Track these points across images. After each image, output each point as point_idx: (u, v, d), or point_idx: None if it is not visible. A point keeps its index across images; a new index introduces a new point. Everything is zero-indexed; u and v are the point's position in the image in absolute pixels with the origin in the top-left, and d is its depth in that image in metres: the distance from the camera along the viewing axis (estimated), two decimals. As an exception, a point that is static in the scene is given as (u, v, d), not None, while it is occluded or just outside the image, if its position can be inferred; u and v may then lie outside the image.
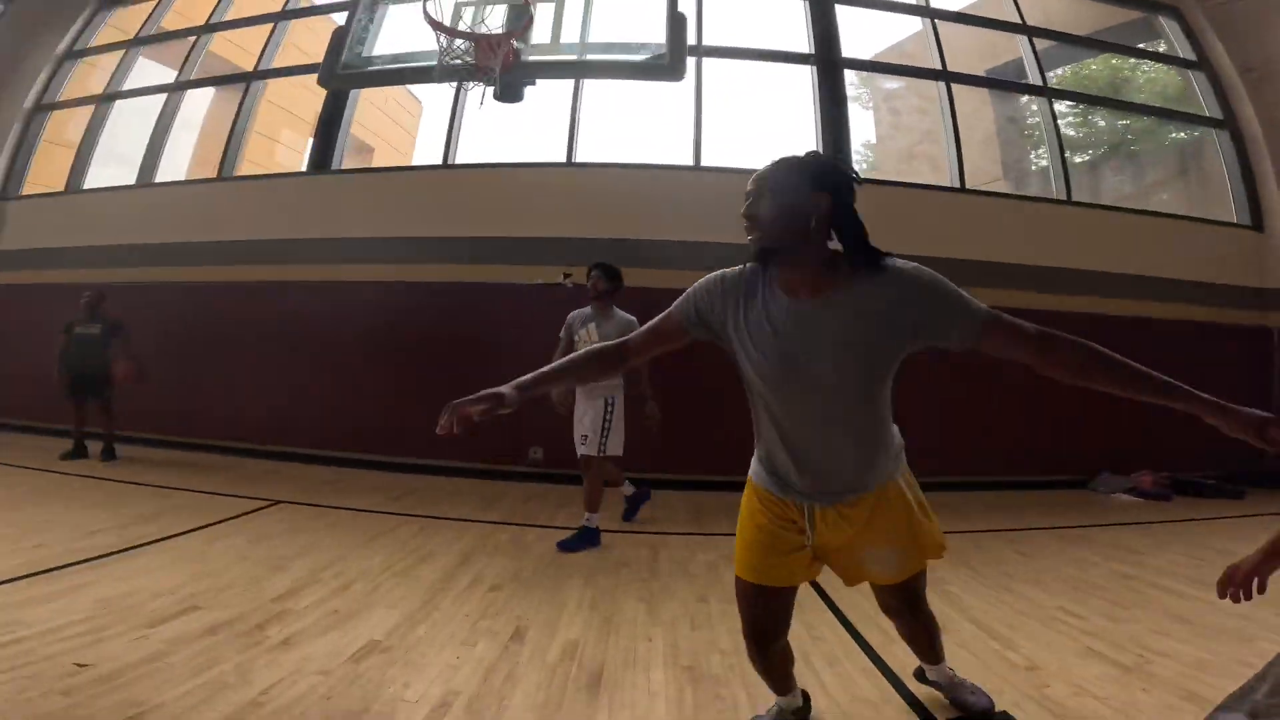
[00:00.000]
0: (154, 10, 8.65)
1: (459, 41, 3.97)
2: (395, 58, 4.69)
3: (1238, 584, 1.27)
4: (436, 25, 4.00)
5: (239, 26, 8.36)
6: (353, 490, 5.26)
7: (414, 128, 11.63)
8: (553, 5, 4.21)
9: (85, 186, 8.09)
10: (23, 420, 7.20)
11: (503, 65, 4.01)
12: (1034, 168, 9.67)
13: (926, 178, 7.95)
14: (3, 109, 8.38)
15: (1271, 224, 7.44)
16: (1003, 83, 8.24)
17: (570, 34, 4.28)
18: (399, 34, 4.73)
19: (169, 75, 8.52)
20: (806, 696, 1.96)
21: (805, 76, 6.81)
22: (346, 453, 6.24)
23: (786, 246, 1.38)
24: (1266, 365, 7.14)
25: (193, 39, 8.32)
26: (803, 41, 6.82)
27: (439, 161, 6.57)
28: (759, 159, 1.51)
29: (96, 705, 1.87)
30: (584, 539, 3.87)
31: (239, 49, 8.57)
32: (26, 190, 8.33)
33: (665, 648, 2.54)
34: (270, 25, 7.98)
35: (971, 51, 8.35)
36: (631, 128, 7.19)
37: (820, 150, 5.45)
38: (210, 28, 8.29)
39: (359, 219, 6.44)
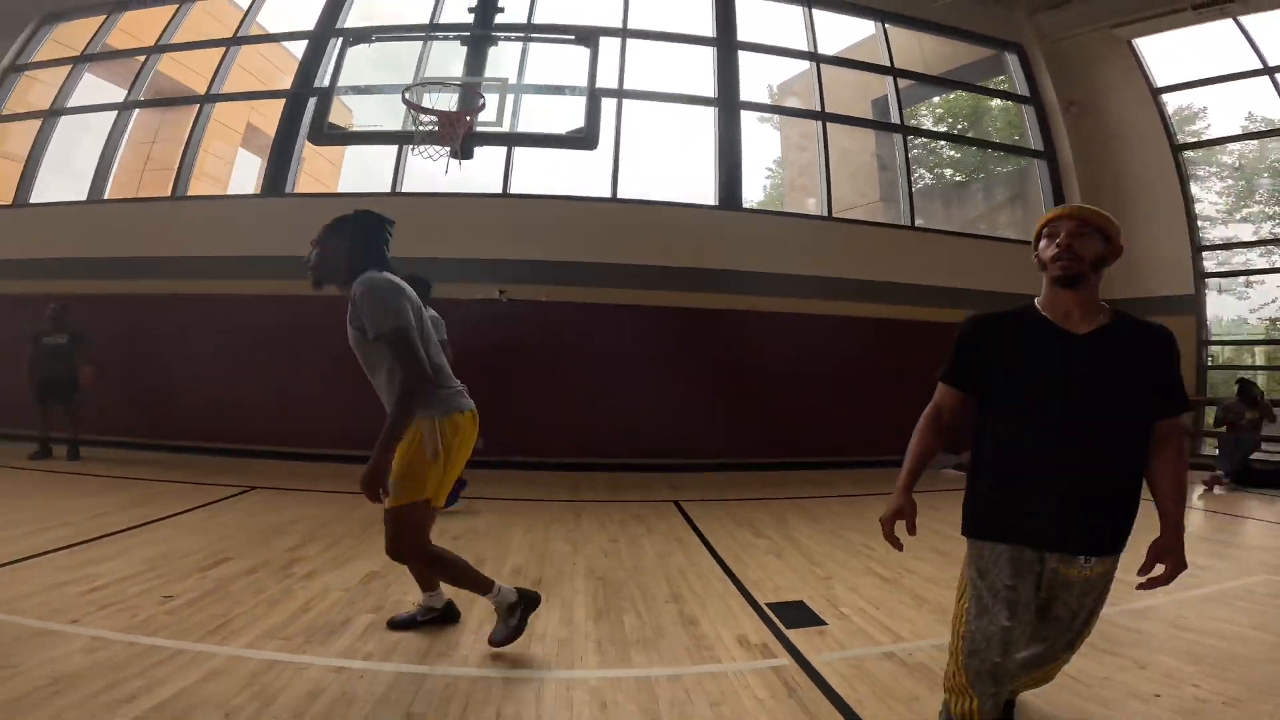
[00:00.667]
0: (100, 28, 8.88)
1: (425, 116, 4.90)
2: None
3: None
4: (413, 106, 4.92)
5: (189, 49, 8.77)
6: (313, 476, 6.05)
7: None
8: (498, 95, 5.18)
9: (33, 200, 8.30)
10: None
11: (462, 135, 4.99)
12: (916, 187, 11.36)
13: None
14: None
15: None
16: (865, 121, 9.69)
17: (511, 112, 5.29)
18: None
19: (114, 91, 8.80)
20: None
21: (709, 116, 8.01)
22: (297, 447, 6.95)
23: None
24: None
25: (142, 58, 8.64)
26: (709, 85, 8.04)
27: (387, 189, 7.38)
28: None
29: (195, 618, 2.73)
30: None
31: (182, 66, 8.95)
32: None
33: (584, 566, 3.64)
34: (223, 49, 8.45)
35: (857, 86, 9.78)
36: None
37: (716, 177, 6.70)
38: (160, 48, 8.65)
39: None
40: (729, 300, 7.28)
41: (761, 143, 9.56)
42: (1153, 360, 1.66)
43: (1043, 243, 1.75)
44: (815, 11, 8.71)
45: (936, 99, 11.80)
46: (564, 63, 5.75)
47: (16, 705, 1.90)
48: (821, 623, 2.95)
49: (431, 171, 6.01)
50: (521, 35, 5.81)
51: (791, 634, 2.79)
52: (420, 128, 5.00)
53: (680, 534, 4.59)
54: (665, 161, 9.11)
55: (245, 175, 10.03)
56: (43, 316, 6.41)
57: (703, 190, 7.77)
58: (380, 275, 2.34)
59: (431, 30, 5.74)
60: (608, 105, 7.06)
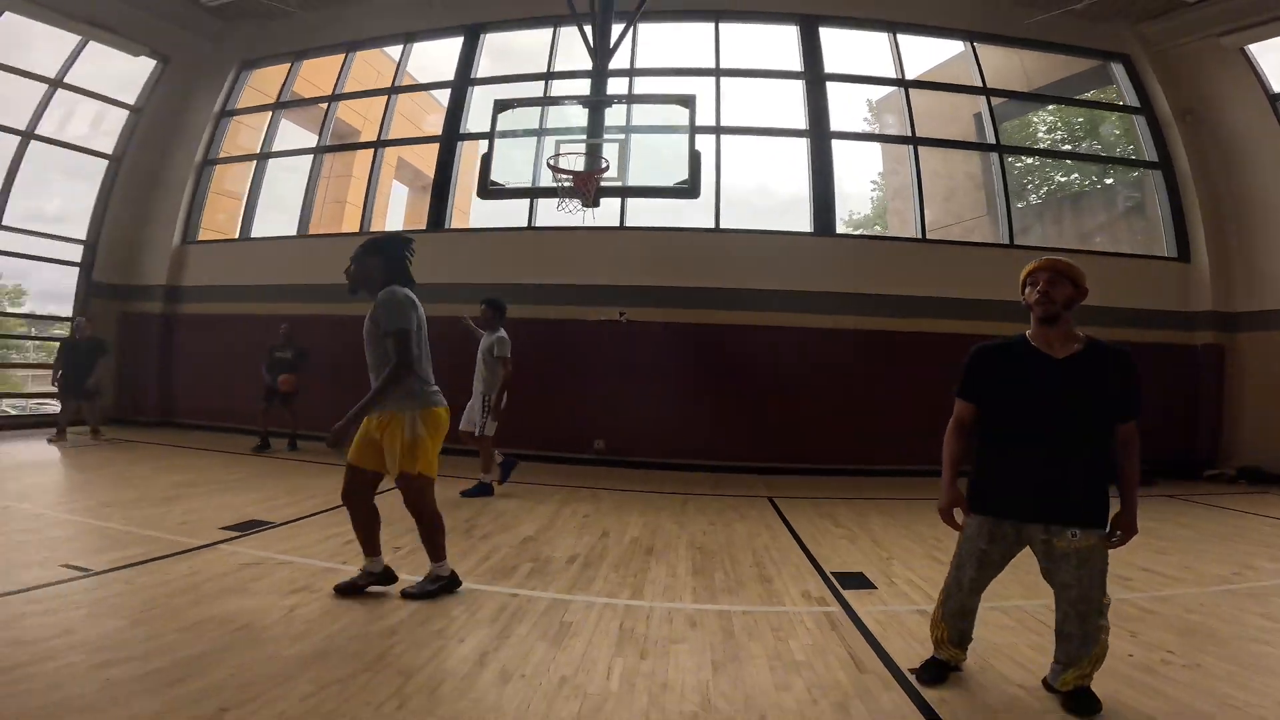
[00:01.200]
0: (287, 75, 10.78)
1: (563, 176, 6.23)
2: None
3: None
4: (555, 169, 6.25)
5: (360, 96, 10.60)
6: (468, 468, 7.40)
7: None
8: (616, 158, 6.38)
9: (254, 234, 10.40)
10: (208, 421, 9.57)
11: (593, 190, 6.24)
12: (1020, 206, 11.35)
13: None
14: (178, 164, 10.59)
15: (1196, 256, 8.83)
16: (957, 143, 9.94)
17: (633, 168, 6.47)
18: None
19: (305, 134, 10.80)
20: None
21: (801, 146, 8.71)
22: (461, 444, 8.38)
23: None
24: (1193, 378, 8.59)
25: (324, 105, 10.56)
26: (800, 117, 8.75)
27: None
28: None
29: (418, 560, 3.94)
30: (481, 490, 5.93)
31: (350, 110, 10.82)
32: (202, 236, 10.61)
33: (686, 540, 4.58)
34: (385, 97, 10.20)
35: (960, 99, 9.97)
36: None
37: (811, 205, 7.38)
38: (336, 97, 10.50)
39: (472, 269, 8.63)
40: (820, 320, 7.94)
41: (866, 156, 10.13)
42: (1113, 377, 2.28)
43: (1027, 289, 2.41)
44: (901, 36, 9.12)
45: (1051, 107, 11.70)
46: (669, 115, 6.73)
47: (323, 617, 3.09)
48: (872, 586, 3.72)
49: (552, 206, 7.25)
50: (629, 104, 6.93)
51: (846, 593, 3.58)
52: (562, 184, 6.25)
53: (769, 521, 5.42)
54: (763, 190, 9.91)
55: (398, 204, 11.84)
56: (277, 335, 8.18)
57: (800, 215, 8.49)
58: (401, 290, 3.15)
59: (555, 101, 6.99)
60: (707, 141, 8.05)
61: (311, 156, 10.28)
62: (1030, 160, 11.83)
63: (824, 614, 3.26)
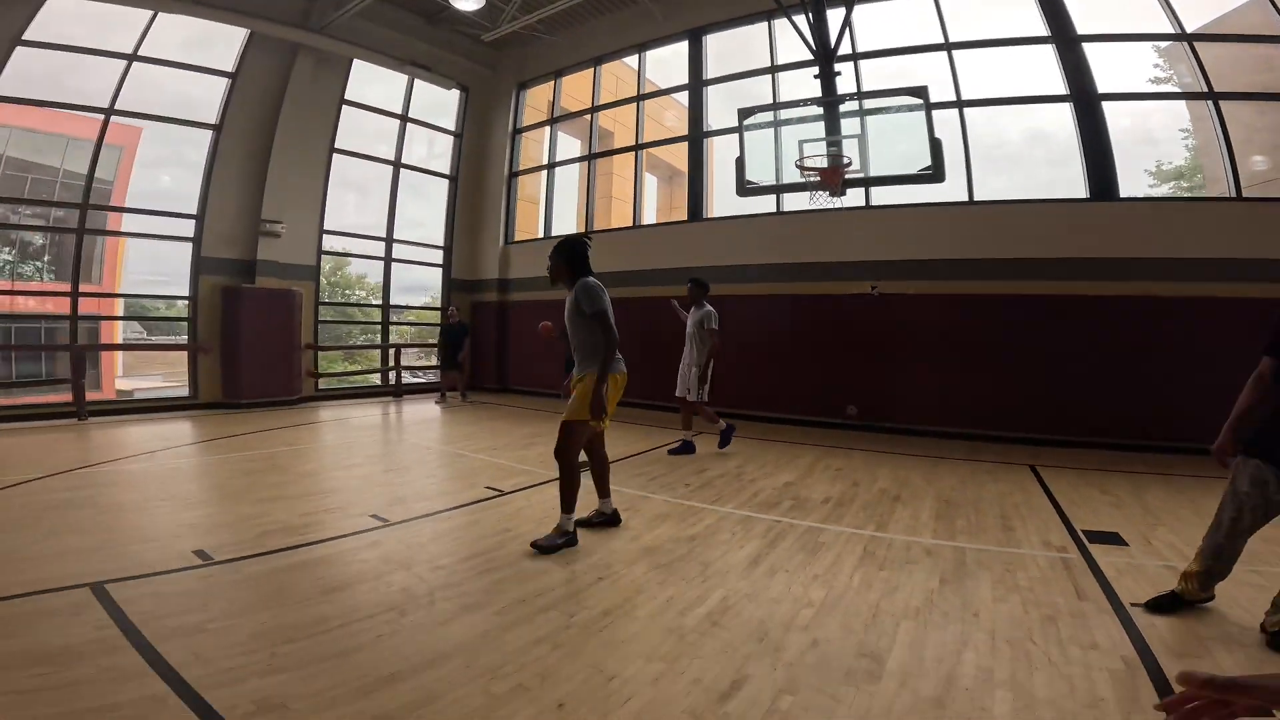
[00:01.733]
0: (554, 92, 12.90)
1: (811, 173, 6.94)
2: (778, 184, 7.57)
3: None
4: (802, 167, 7.02)
5: (614, 106, 12.25)
6: (741, 431, 8.59)
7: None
8: (857, 152, 6.83)
9: (553, 233, 12.80)
10: (532, 388, 12.16)
11: (838, 181, 6.87)
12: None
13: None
14: (491, 178, 13.46)
15: None
16: (1273, 95, 7.99)
17: (875, 156, 6.86)
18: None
19: (573, 142, 12.82)
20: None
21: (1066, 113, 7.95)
22: (729, 408, 9.63)
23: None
24: None
25: (588, 116, 12.45)
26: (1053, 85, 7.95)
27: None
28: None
29: (705, 494, 5.15)
30: (685, 448, 6.73)
31: (605, 116, 12.49)
32: (517, 237, 13.39)
33: (933, 492, 5.10)
34: (634, 104, 11.69)
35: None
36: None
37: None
38: (596, 108, 12.28)
39: (734, 252, 9.72)
40: (1099, 287, 7.36)
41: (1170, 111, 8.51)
42: None
43: None
44: None
45: None
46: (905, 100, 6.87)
47: (644, 525, 4.40)
48: (1124, 544, 3.94)
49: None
50: (865, 100, 7.20)
51: (1092, 546, 3.88)
52: (810, 179, 6.97)
53: (1025, 485, 5.60)
54: (1036, 140, 9.16)
55: (649, 194, 13.25)
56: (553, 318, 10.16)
57: (1070, 184, 7.83)
58: (592, 280, 3.85)
59: (792, 104, 7.54)
60: (949, 116, 7.94)
61: (585, 163, 12.23)
62: None
63: (1060, 559, 3.66)
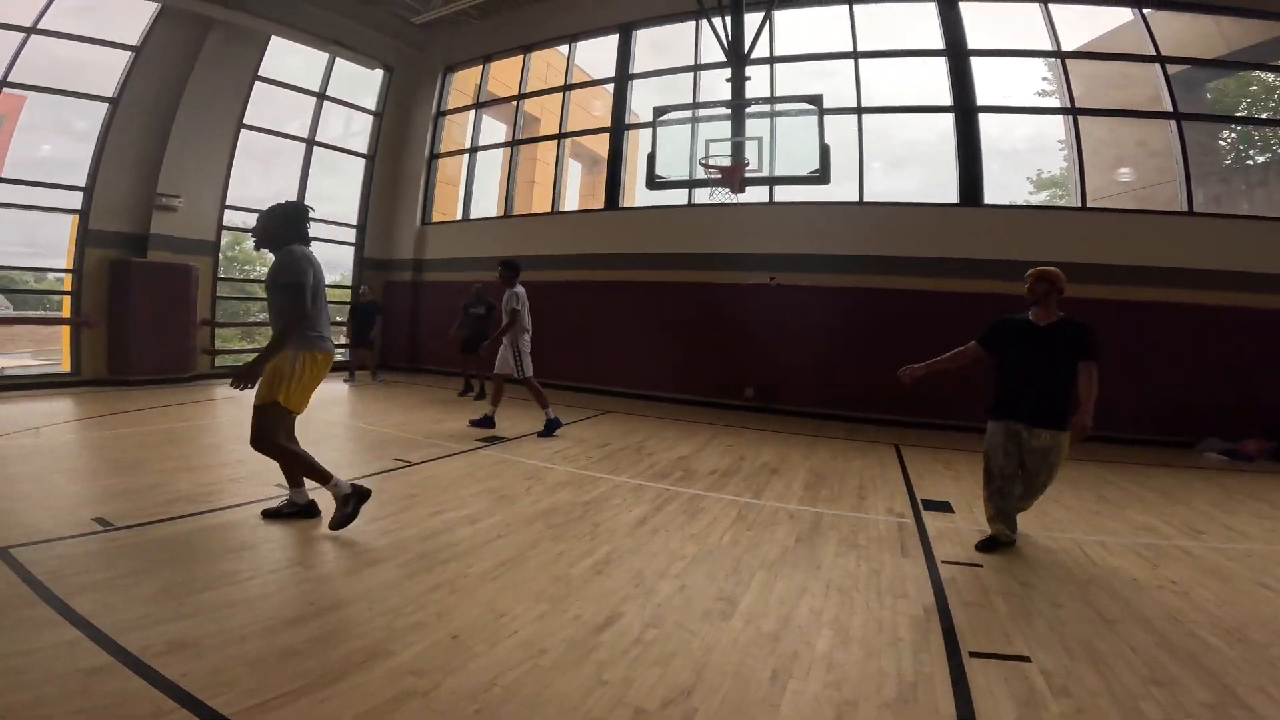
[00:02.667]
0: (481, 76, 12.89)
1: (713, 170, 7.44)
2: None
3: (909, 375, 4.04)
4: (706, 165, 7.49)
5: (541, 95, 12.37)
6: (642, 409, 9.08)
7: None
8: (756, 152, 7.42)
9: (471, 216, 12.84)
10: (441, 367, 12.23)
11: (738, 180, 7.41)
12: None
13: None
14: (411, 159, 13.29)
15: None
16: (1126, 111, 9.17)
17: (771, 159, 7.47)
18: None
19: (499, 127, 12.87)
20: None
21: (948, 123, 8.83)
22: (634, 389, 10.11)
23: None
24: None
25: (514, 103, 12.52)
26: (944, 94, 8.83)
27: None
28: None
29: (604, 465, 5.57)
30: (550, 426, 6.88)
31: (532, 102, 12.63)
32: (434, 218, 13.29)
33: (808, 467, 5.72)
34: (561, 94, 11.88)
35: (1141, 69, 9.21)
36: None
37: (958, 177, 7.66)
38: (521, 96, 12.34)
39: (650, 240, 10.13)
40: (963, 284, 8.27)
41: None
42: (1075, 336, 3.61)
43: (1026, 284, 3.66)
44: (1054, 7, 8.70)
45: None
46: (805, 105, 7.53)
47: (548, 492, 4.78)
48: (951, 511, 4.64)
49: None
50: (767, 104, 7.77)
51: (926, 514, 4.56)
52: (712, 177, 7.49)
53: (886, 461, 6.35)
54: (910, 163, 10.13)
55: (573, 180, 13.45)
56: (468, 294, 10.12)
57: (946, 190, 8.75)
58: (299, 249, 3.59)
59: (703, 105, 8.09)
60: (847, 122, 8.69)
61: (508, 148, 12.35)
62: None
63: (897, 522, 4.30)
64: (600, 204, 11.22)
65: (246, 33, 10.48)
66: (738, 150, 7.49)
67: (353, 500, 3.57)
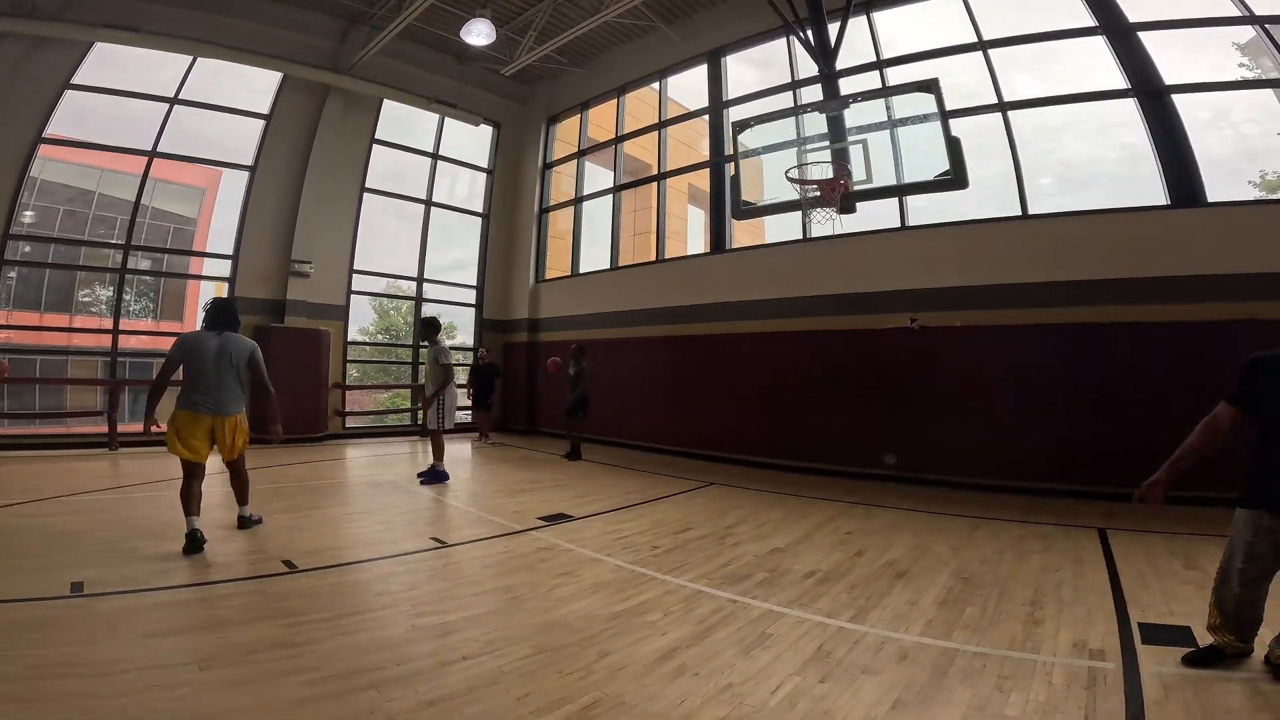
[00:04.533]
0: (580, 124, 12.73)
1: (808, 186, 6.12)
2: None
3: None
4: (794, 180, 6.21)
5: (637, 135, 11.80)
6: (754, 479, 7.72)
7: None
8: (861, 161, 6.03)
9: (581, 270, 12.44)
10: (561, 429, 11.66)
11: (839, 196, 6.02)
12: None
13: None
14: (523, 215, 13.28)
15: None
16: None
17: (884, 167, 6.01)
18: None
19: (605, 174, 12.52)
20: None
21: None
22: (748, 455, 8.78)
23: None
24: None
25: (612, 148, 12.13)
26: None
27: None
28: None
29: (666, 560, 4.39)
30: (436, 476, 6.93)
31: (641, 148, 12.11)
32: (547, 274, 13.10)
33: (954, 568, 4.11)
34: (656, 132, 11.30)
35: None
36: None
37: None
38: (619, 139, 11.94)
39: (756, 285, 8.97)
40: (1190, 311, 6.12)
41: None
42: None
43: None
44: None
45: None
46: (921, 105, 6.01)
47: (571, 597, 3.70)
48: (1193, 645, 2.88)
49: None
50: (869, 102, 6.33)
51: (1144, 649, 2.86)
52: (808, 195, 6.17)
53: (1084, 555, 4.49)
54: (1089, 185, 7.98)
55: (696, 227, 12.65)
56: (565, 356, 9.52)
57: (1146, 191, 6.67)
58: (186, 335, 4.59)
59: (792, 112, 6.83)
60: (992, 121, 7.00)
61: (611, 195, 11.88)
62: None
63: (1087, 668, 2.68)
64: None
65: (360, 97, 11.15)
66: (838, 159, 6.13)
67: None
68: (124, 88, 9.26)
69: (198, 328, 4.70)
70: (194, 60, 9.64)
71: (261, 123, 10.45)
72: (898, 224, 7.86)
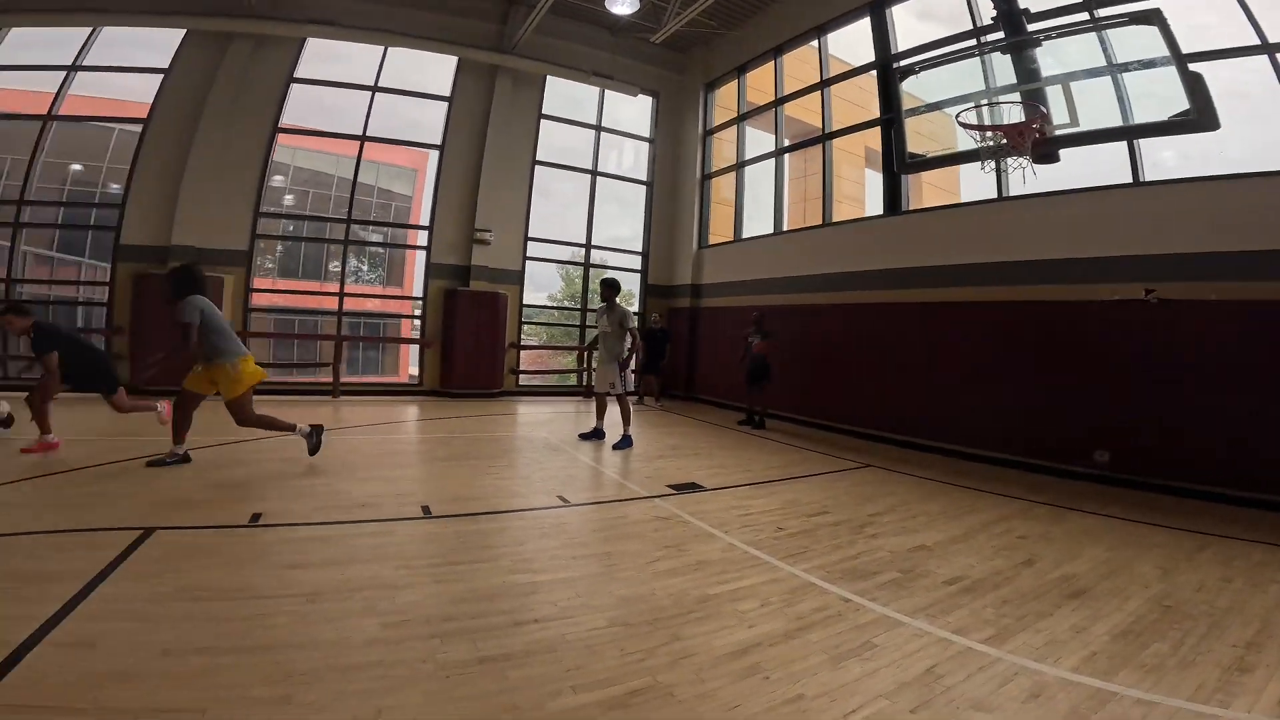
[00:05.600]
0: (738, 89, 12.27)
1: (989, 132, 5.09)
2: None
3: None
4: (970, 126, 5.22)
5: (798, 97, 10.95)
6: (918, 464, 6.91)
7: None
8: (1061, 95, 4.82)
9: (744, 235, 12.05)
10: (718, 398, 11.49)
11: (1030, 142, 4.93)
12: None
13: None
14: (685, 182, 13.16)
15: None
16: None
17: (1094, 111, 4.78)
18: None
19: (765, 138, 11.84)
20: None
21: None
22: (914, 437, 7.89)
23: None
24: None
25: (771, 111, 11.45)
26: None
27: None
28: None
29: (787, 545, 4.03)
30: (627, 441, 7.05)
31: (799, 107, 11.23)
32: (710, 241, 12.88)
33: (1155, 593, 3.28)
34: (818, 92, 10.36)
35: None
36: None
37: None
38: (778, 101, 11.24)
39: (937, 250, 7.94)
40: None
41: None
42: None
43: None
44: None
45: None
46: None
47: (667, 573, 3.51)
48: None
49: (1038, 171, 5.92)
50: (1070, 35, 4.94)
51: None
52: (987, 143, 5.13)
53: (1354, 595, 3.36)
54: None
55: (875, 192, 11.50)
56: (747, 322, 9.28)
57: None
58: (197, 298, 5.02)
59: (967, 54, 5.63)
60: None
61: (774, 159, 11.22)
62: None
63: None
64: (918, 205, 9.21)
65: (525, 75, 11.79)
66: (1030, 101, 4.97)
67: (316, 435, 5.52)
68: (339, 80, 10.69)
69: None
70: (385, 51, 10.87)
71: (445, 105, 11.44)
72: (1129, 179, 6.34)
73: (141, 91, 9.81)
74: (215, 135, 9.72)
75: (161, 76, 9.70)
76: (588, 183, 12.68)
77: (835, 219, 10.12)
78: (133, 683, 2.00)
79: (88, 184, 15.92)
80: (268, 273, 19.41)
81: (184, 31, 9.71)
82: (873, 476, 6.27)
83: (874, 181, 12.18)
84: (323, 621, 2.55)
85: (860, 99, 10.39)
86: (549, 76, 12.11)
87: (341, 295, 11.75)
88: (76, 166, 15.58)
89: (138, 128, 9.71)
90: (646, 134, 13.45)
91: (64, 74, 9.49)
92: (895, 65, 7.14)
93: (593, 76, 12.19)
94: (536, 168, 12.08)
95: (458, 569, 3.26)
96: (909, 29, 9.08)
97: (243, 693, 2.00)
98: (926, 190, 9.04)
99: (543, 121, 12.18)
